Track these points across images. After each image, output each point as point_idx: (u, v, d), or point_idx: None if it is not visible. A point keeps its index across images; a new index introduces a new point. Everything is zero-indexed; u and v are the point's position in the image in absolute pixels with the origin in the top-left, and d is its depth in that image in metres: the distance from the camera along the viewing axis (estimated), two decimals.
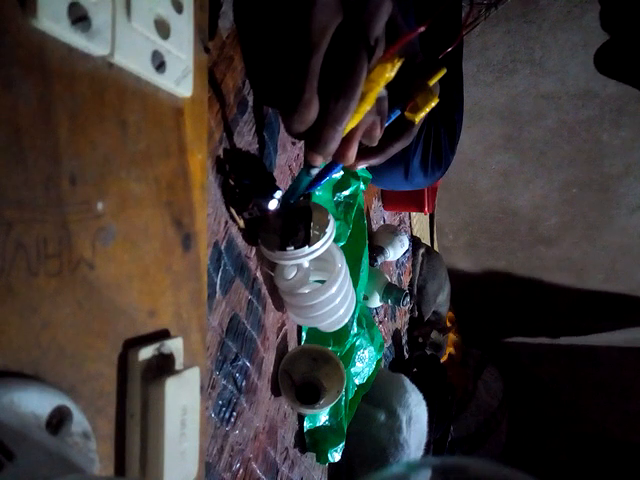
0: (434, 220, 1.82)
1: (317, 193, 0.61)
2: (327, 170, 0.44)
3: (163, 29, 0.29)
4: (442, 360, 1.37)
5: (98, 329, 0.25)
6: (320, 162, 0.38)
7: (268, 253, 0.46)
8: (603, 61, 0.51)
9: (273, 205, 0.45)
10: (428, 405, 0.87)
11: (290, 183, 0.46)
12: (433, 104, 0.39)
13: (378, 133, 0.39)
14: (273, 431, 0.53)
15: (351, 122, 0.36)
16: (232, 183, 0.43)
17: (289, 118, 0.35)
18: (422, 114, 0.39)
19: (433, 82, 0.39)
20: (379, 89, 0.35)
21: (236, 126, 0.45)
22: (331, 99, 0.34)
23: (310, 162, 0.38)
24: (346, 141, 0.37)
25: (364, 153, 0.42)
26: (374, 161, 0.43)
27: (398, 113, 0.40)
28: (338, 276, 0.50)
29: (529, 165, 1.74)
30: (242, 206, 0.44)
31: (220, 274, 0.42)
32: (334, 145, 0.36)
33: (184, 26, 0.31)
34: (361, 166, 0.43)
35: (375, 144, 0.40)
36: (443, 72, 0.39)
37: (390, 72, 0.34)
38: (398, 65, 0.34)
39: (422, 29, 0.32)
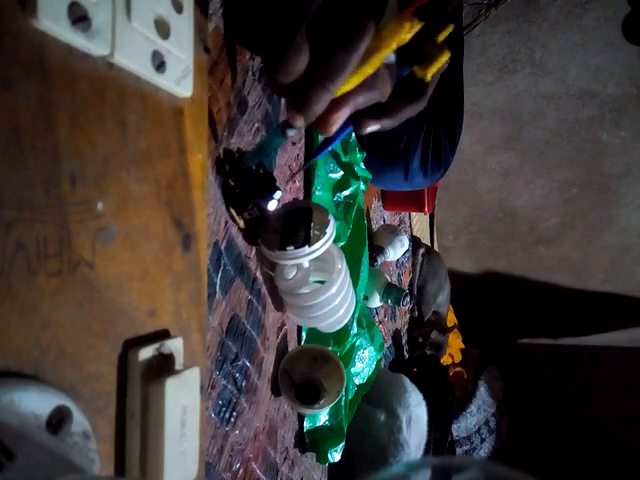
0: (434, 220, 1.82)
1: (317, 193, 0.61)
2: (337, 132, 0.38)
3: (163, 29, 0.29)
4: (442, 360, 1.37)
5: (98, 329, 0.25)
6: (300, 123, 0.33)
7: (268, 253, 0.46)
8: (631, 30, 0.50)
9: (273, 205, 0.45)
10: (428, 405, 0.87)
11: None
12: (444, 59, 0.35)
13: (388, 88, 0.34)
14: (273, 431, 0.53)
15: (347, 84, 0.31)
16: (232, 183, 0.43)
17: (274, 65, 0.29)
18: (434, 69, 0.35)
19: (442, 38, 0.35)
20: (389, 51, 0.30)
21: (236, 126, 0.45)
22: (327, 50, 0.28)
23: (290, 120, 0.33)
24: (334, 106, 0.32)
25: (375, 114, 0.36)
26: (387, 123, 0.37)
27: (408, 70, 0.36)
28: (338, 276, 0.50)
29: (529, 165, 1.74)
30: (242, 206, 0.44)
31: (220, 274, 0.42)
32: (320, 107, 0.31)
33: (184, 26, 0.31)
34: (371, 128, 0.37)
35: (385, 99, 0.35)
36: (451, 28, 0.35)
37: (406, 33, 0.30)
38: (417, 28, 0.30)
39: None
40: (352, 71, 0.30)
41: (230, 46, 0.43)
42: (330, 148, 0.41)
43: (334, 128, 0.33)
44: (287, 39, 0.28)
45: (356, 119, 0.36)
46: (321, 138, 0.36)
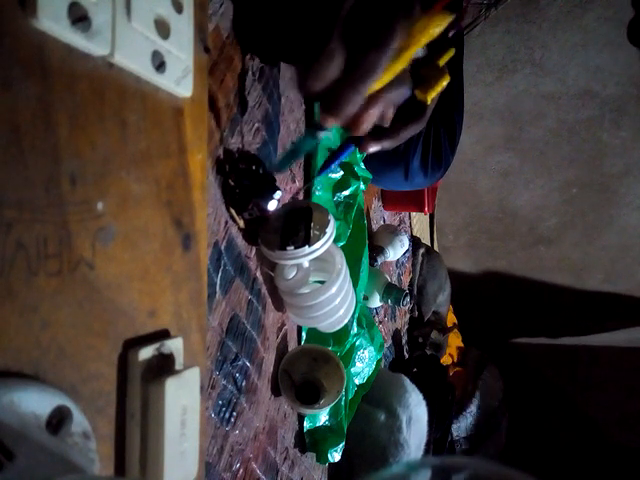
0: (434, 220, 1.82)
1: (317, 193, 0.61)
2: (339, 151, 0.40)
3: (163, 29, 0.29)
4: (442, 360, 1.37)
5: (98, 329, 0.25)
6: (332, 124, 0.33)
7: (268, 253, 0.46)
8: (636, 34, 0.51)
9: (273, 205, 0.45)
10: (428, 405, 0.87)
11: (285, 177, 0.42)
12: (445, 83, 0.36)
13: (390, 113, 0.35)
14: (273, 431, 0.53)
15: (378, 82, 0.31)
16: (232, 183, 0.43)
17: (306, 71, 0.29)
18: (434, 93, 0.36)
19: (443, 61, 0.36)
20: (419, 46, 0.30)
21: (236, 126, 0.45)
22: (358, 51, 0.28)
23: (322, 123, 0.33)
24: (366, 105, 0.32)
25: (376, 135, 0.38)
26: (387, 144, 0.38)
27: (409, 93, 0.36)
28: (338, 276, 0.50)
29: (529, 165, 1.74)
30: (242, 206, 0.44)
31: (220, 274, 0.42)
32: (353, 108, 0.31)
33: (184, 26, 0.30)
34: (373, 149, 0.38)
35: (387, 124, 0.36)
36: (452, 52, 0.36)
37: (436, 27, 0.30)
38: (448, 21, 0.30)
39: None
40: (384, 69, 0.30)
41: (230, 46, 0.43)
42: (333, 167, 0.42)
43: (366, 127, 0.34)
44: (319, 45, 0.28)
45: (358, 140, 0.37)
46: (312, 140, 0.37)
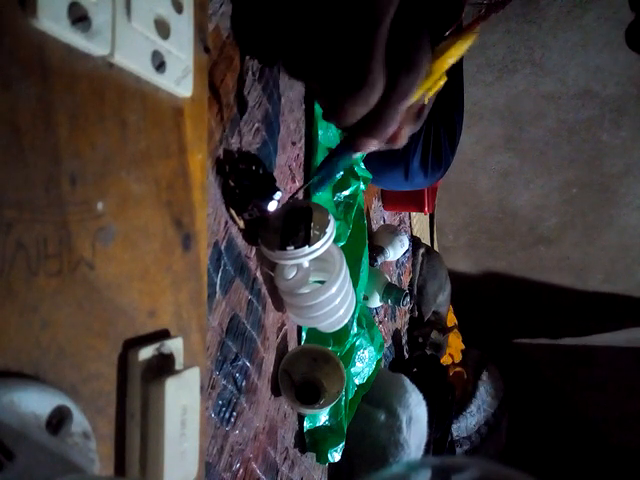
0: (434, 220, 1.82)
1: (317, 193, 0.61)
2: (335, 163, 0.40)
3: (163, 29, 0.29)
4: (442, 360, 1.37)
5: (98, 329, 0.25)
6: (375, 148, 0.34)
7: (268, 253, 0.46)
8: (635, 38, 0.51)
9: (273, 206, 0.45)
10: (428, 405, 0.87)
11: (315, 173, 0.41)
12: (442, 82, 0.36)
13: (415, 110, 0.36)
14: (273, 431, 0.53)
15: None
16: (232, 184, 0.43)
17: (348, 102, 0.30)
18: (430, 94, 0.36)
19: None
20: (446, 67, 0.33)
21: (236, 126, 0.45)
22: (400, 74, 0.30)
23: (360, 148, 0.35)
24: (401, 122, 0.34)
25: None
26: (385, 146, 0.39)
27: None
28: (338, 276, 0.50)
29: (529, 165, 1.74)
30: (242, 207, 0.44)
31: (220, 274, 0.42)
32: (394, 127, 0.33)
33: (184, 26, 0.30)
34: (369, 149, 0.39)
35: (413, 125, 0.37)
36: None
37: (458, 49, 0.33)
38: (469, 44, 0.32)
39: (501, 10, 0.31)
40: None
41: (230, 46, 0.43)
42: (329, 181, 0.43)
43: (406, 139, 0.36)
44: (360, 77, 0.29)
45: (353, 139, 0.37)
46: (348, 160, 0.38)
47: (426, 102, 0.37)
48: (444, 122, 0.87)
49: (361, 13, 0.28)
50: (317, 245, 0.46)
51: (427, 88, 0.33)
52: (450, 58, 0.33)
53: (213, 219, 0.41)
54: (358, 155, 0.37)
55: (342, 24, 0.29)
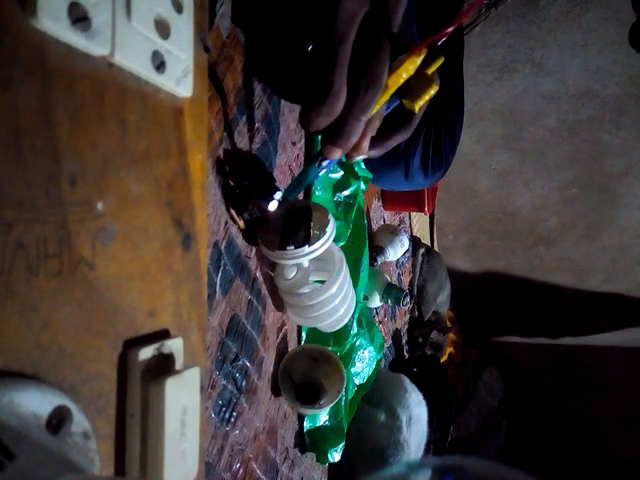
0: (434, 220, 1.82)
1: (317, 193, 0.61)
2: (313, 171, 0.42)
3: (163, 29, 0.29)
4: (442, 360, 1.37)
5: (98, 329, 0.25)
6: (339, 155, 0.37)
7: (268, 253, 0.46)
8: (637, 38, 0.52)
9: (273, 206, 0.45)
10: (428, 405, 0.87)
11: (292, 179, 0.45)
12: (433, 92, 0.38)
13: (377, 123, 0.39)
14: (273, 431, 0.53)
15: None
16: (232, 184, 0.43)
17: (314, 111, 0.34)
18: (421, 102, 0.38)
19: (432, 70, 0.38)
20: (401, 81, 0.35)
21: (236, 126, 0.45)
22: (360, 89, 0.33)
23: (328, 156, 0.37)
24: (363, 132, 0.37)
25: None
26: (373, 153, 0.41)
27: (397, 102, 0.39)
28: (338, 276, 0.50)
29: (529, 165, 1.74)
30: (242, 207, 0.44)
31: (220, 274, 0.42)
32: (356, 137, 0.35)
33: (184, 26, 0.31)
34: (359, 157, 0.41)
35: (374, 133, 0.39)
36: (441, 60, 0.38)
37: (411, 65, 0.35)
38: (420, 60, 0.35)
39: (451, 29, 0.33)
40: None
41: (230, 46, 0.43)
42: (321, 175, 0.44)
43: (366, 151, 0.38)
44: (325, 88, 0.33)
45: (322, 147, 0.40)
46: (317, 170, 0.41)
47: (416, 111, 0.39)
48: (444, 122, 0.87)
49: (324, 35, 0.32)
50: (317, 245, 0.46)
51: (382, 102, 0.36)
52: (404, 72, 0.35)
53: (213, 219, 0.41)
54: (325, 163, 0.40)
55: (313, 43, 0.34)
